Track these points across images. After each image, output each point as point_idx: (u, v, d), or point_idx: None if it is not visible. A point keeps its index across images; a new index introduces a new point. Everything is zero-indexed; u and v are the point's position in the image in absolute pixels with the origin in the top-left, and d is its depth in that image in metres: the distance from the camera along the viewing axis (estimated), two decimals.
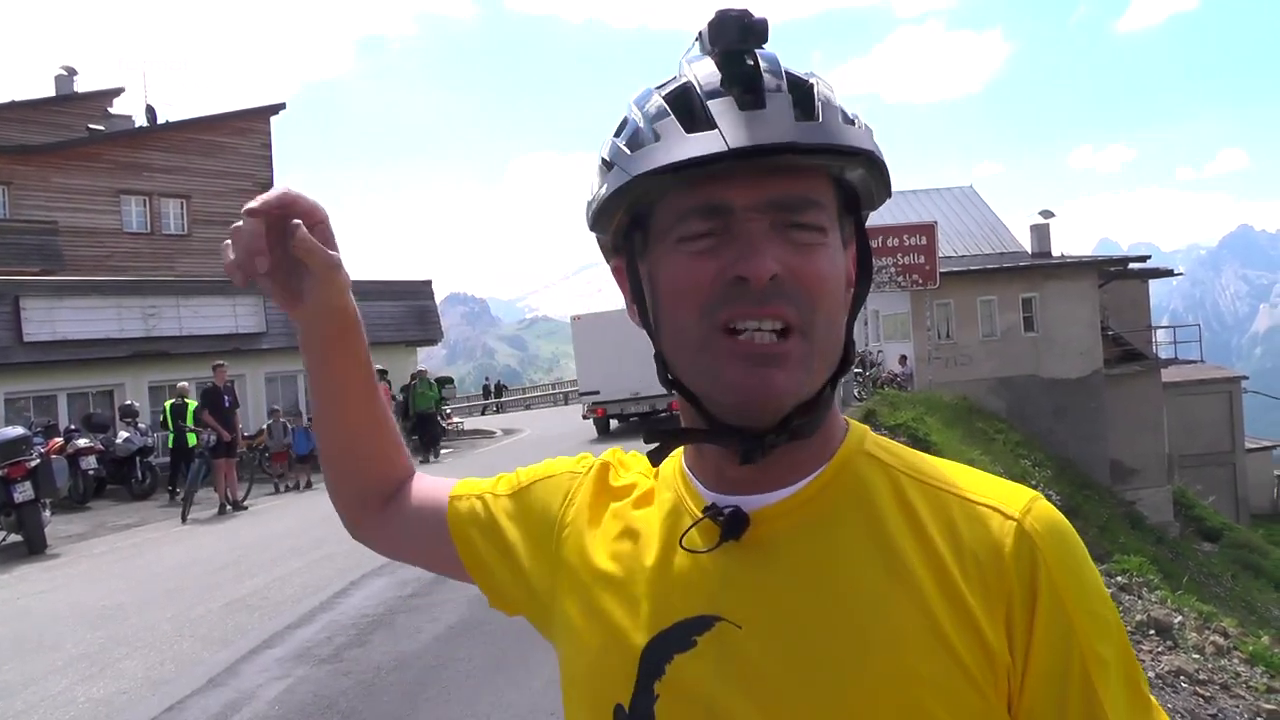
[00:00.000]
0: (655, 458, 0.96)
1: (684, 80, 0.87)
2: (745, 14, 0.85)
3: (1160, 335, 35.00)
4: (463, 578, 1.11)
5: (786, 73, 0.85)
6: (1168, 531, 26.55)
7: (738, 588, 0.86)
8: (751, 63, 0.85)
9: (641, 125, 0.86)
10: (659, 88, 0.88)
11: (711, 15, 0.87)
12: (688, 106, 0.84)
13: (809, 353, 0.83)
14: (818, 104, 0.83)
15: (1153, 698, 0.86)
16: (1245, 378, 38.76)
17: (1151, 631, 8.23)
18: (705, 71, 0.85)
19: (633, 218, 0.89)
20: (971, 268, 29.77)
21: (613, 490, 1.02)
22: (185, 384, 16.30)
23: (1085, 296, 28.75)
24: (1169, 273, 38.17)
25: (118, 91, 33.23)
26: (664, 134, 0.83)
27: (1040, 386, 27.91)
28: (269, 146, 32.24)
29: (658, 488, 0.98)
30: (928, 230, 26.62)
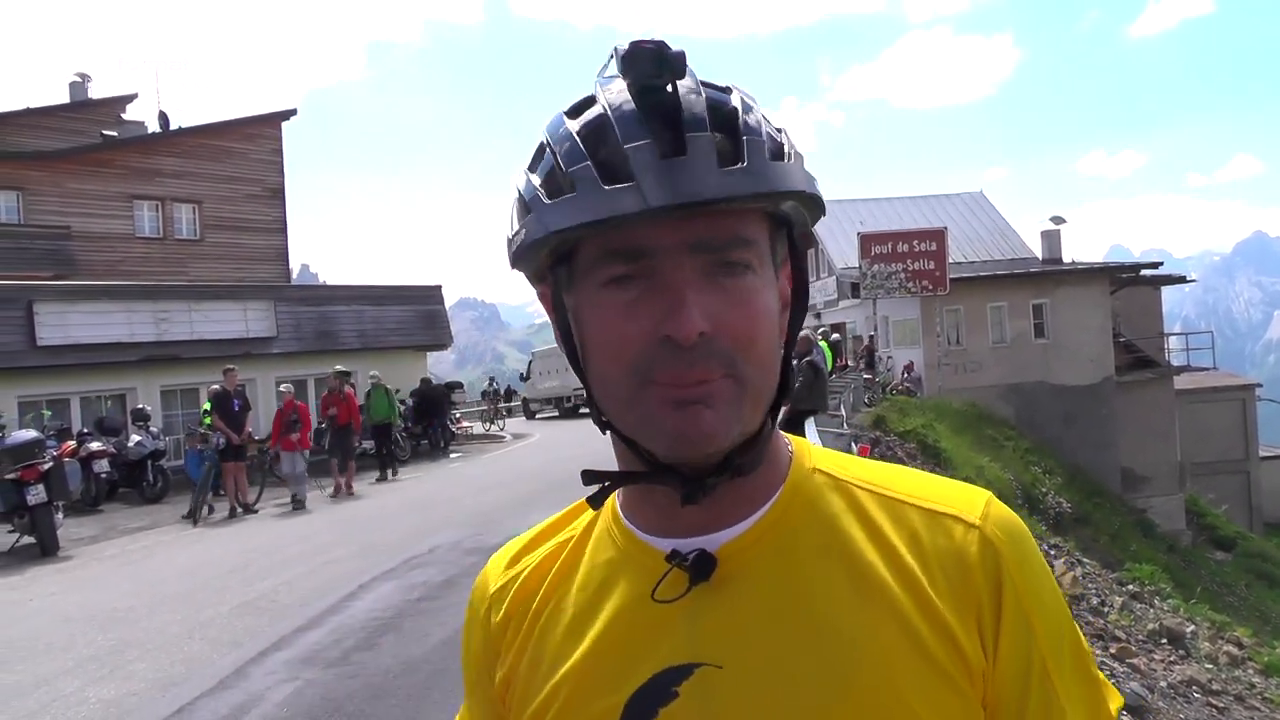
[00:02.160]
0: (595, 501, 0.92)
1: (598, 112, 0.81)
2: (661, 46, 0.80)
3: (1173, 342, 34.92)
4: None
5: (708, 101, 0.80)
6: (1180, 540, 26.44)
7: (710, 629, 0.85)
8: (670, 93, 0.79)
9: (558, 167, 0.81)
10: (572, 113, 0.84)
11: (624, 45, 0.81)
12: (605, 151, 0.79)
13: (739, 394, 0.81)
14: (743, 141, 0.78)
15: (1100, 673, 0.89)
16: (1259, 385, 38.52)
17: (1164, 640, 8.19)
18: (620, 102, 0.80)
19: (555, 255, 0.85)
20: (982, 274, 29.75)
21: (530, 579, 0.97)
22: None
23: (1096, 303, 28.68)
24: (1181, 279, 38.04)
25: (131, 98, 33.40)
26: (580, 185, 0.78)
27: (1050, 393, 27.83)
28: (280, 152, 32.35)
29: (588, 545, 0.95)
30: (938, 236, 26.61)
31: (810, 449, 0.94)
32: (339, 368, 17.94)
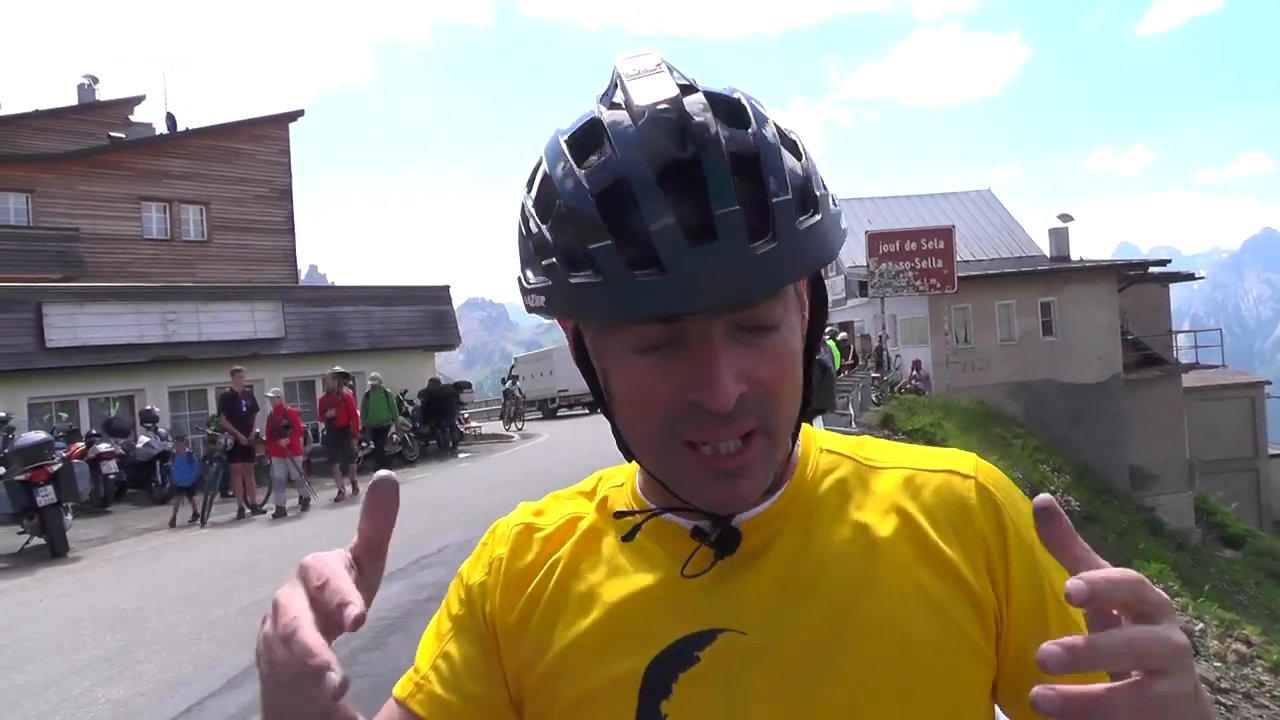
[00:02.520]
0: (629, 535, 0.92)
1: (611, 170, 0.75)
2: (683, 117, 0.75)
3: (1181, 340, 34.79)
4: None
5: (726, 148, 0.74)
6: (1188, 538, 26.36)
7: (733, 598, 0.87)
8: (695, 165, 0.74)
9: (574, 231, 0.76)
10: (576, 147, 0.79)
11: (639, 106, 0.76)
12: (623, 222, 0.74)
13: (772, 448, 0.83)
14: (771, 208, 0.74)
15: None
16: (1268, 383, 38.34)
17: None
18: (634, 161, 0.74)
19: None
20: (989, 272, 29.67)
21: (545, 542, 0.96)
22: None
23: (1104, 301, 28.60)
24: (1190, 276, 37.92)
25: (139, 99, 33.49)
26: (606, 268, 0.74)
27: (1058, 391, 27.76)
28: (287, 153, 32.41)
29: (605, 521, 0.95)
30: (945, 234, 26.57)
31: (814, 432, 0.97)
32: (338, 369, 17.44)
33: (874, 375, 24.62)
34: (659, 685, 0.85)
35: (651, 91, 0.77)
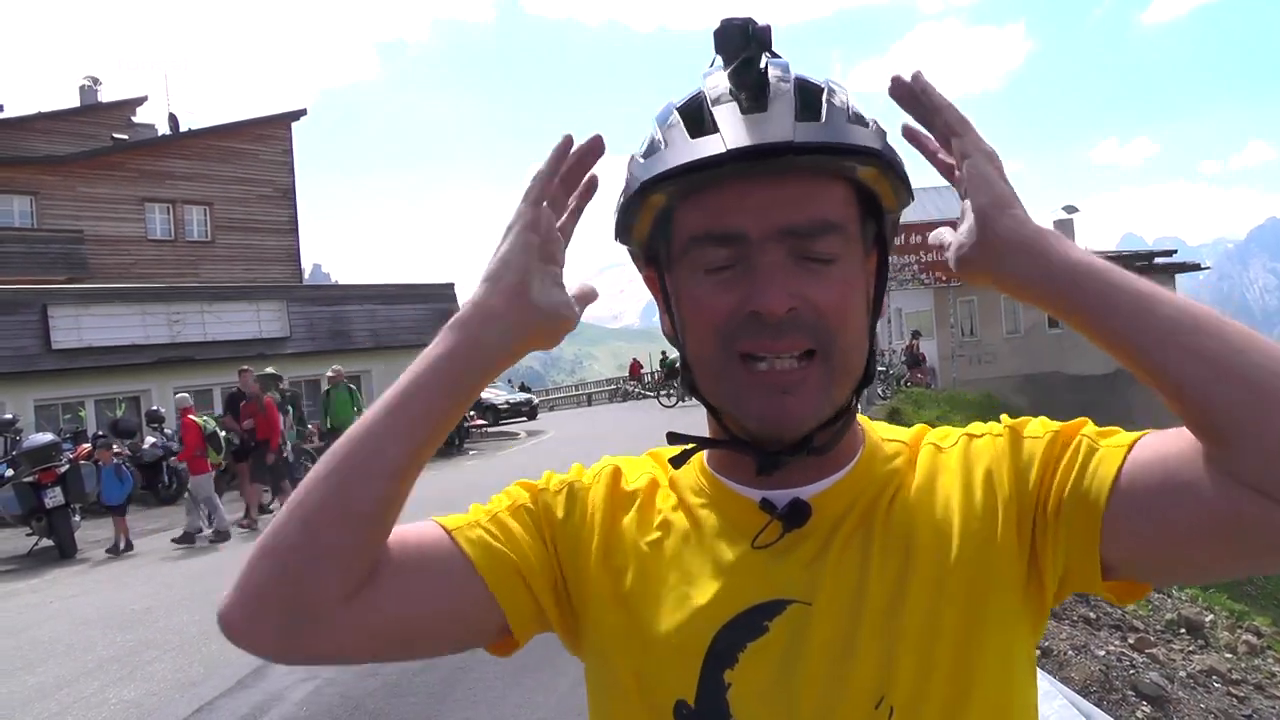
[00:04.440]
0: (677, 462, 0.98)
1: (696, 91, 0.90)
2: (749, 21, 0.87)
3: None
4: (477, 629, 0.96)
5: (796, 77, 0.87)
6: None
7: (800, 570, 0.89)
8: (761, 68, 0.86)
9: (657, 136, 0.89)
10: (679, 103, 0.91)
11: (717, 24, 0.88)
12: (697, 114, 0.87)
13: (829, 375, 0.86)
14: (823, 104, 0.85)
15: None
16: None
17: (1182, 630, 8.15)
18: (716, 80, 0.88)
19: (656, 229, 0.91)
20: None
21: (629, 494, 1.00)
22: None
23: None
24: (1195, 267, 37.83)
25: (141, 100, 33.53)
26: (671, 141, 0.86)
27: (1065, 383, 27.70)
28: (290, 152, 32.44)
29: (679, 488, 0.99)
30: (951, 227, 26.52)
31: (872, 422, 1.02)
32: (269, 370, 15.38)
33: (879, 369, 24.58)
34: (726, 653, 0.88)
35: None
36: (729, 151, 0.81)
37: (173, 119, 31.73)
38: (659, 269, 0.94)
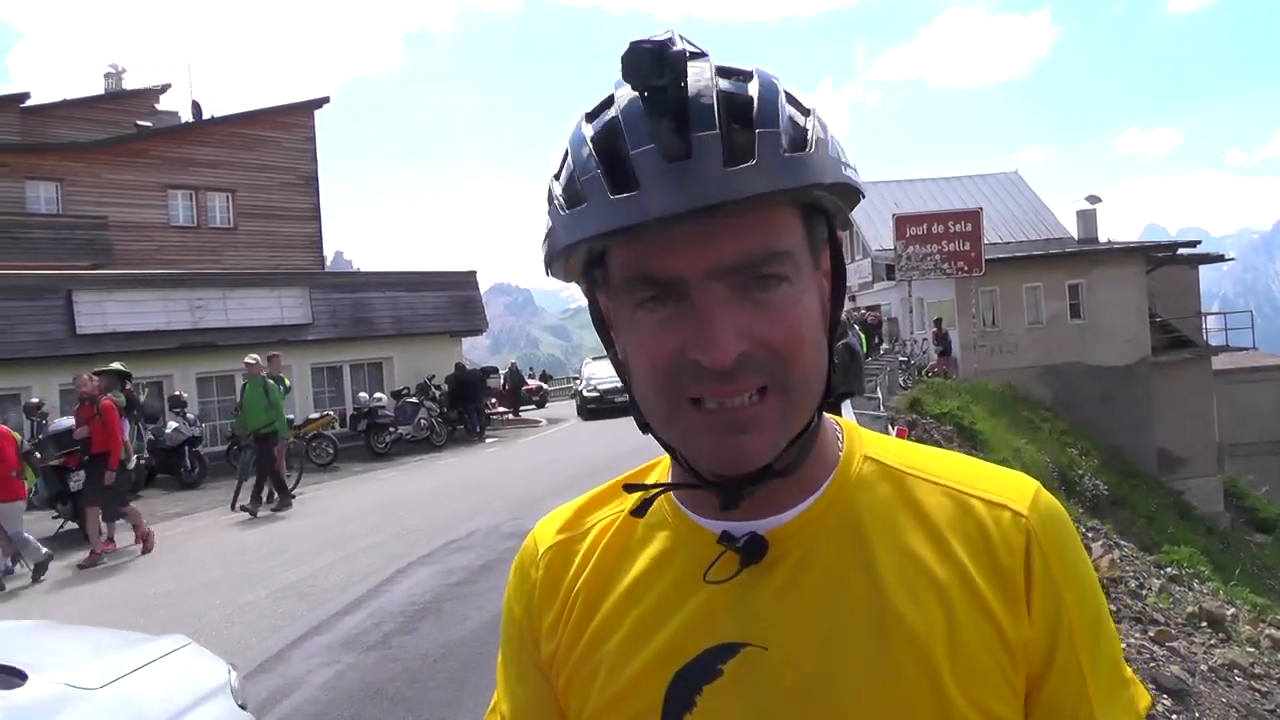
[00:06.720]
0: (639, 512, 0.92)
1: (611, 116, 0.80)
2: (663, 45, 0.77)
3: (1211, 322, 34.33)
4: None
5: (720, 95, 0.77)
6: (1218, 522, 26.11)
7: (758, 611, 0.85)
8: (679, 91, 0.77)
9: (575, 174, 0.80)
10: (590, 116, 0.82)
11: (625, 48, 0.78)
12: (614, 157, 0.77)
13: (788, 408, 0.81)
14: (754, 137, 0.76)
15: (1131, 673, 0.91)
16: None
17: (1203, 624, 8.10)
18: (629, 102, 0.79)
19: (590, 262, 0.85)
20: (1017, 254, 29.45)
21: (574, 556, 0.98)
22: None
23: (1133, 283, 28.29)
24: (1219, 258, 37.42)
25: (164, 88, 33.72)
26: (590, 194, 0.78)
27: (1087, 374, 27.53)
28: (313, 140, 32.54)
29: (637, 527, 0.95)
30: (973, 217, 26.35)
31: (862, 434, 0.94)
32: (116, 365, 13.20)
33: (901, 359, 24.50)
34: (683, 697, 0.85)
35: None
36: (653, 219, 0.74)
37: (196, 106, 31.88)
38: (591, 285, 0.89)
